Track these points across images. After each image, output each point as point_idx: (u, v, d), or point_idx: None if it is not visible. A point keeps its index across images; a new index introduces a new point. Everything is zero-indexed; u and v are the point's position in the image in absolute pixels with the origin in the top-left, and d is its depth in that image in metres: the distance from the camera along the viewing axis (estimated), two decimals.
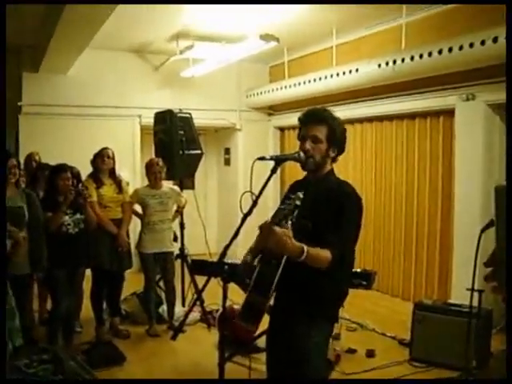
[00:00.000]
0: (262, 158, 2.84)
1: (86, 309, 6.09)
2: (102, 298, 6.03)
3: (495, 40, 5.21)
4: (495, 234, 0.96)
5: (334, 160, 3.02)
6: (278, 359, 3.06)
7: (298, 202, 2.68)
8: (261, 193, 2.86)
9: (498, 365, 4.87)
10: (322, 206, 2.83)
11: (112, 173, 6.04)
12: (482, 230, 2.77)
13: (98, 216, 5.67)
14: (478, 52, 5.46)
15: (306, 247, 2.63)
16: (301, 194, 2.70)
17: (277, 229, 2.62)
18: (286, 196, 3.03)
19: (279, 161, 2.93)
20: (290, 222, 2.68)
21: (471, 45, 5.48)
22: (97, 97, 8.89)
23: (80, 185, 5.29)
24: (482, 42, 5.36)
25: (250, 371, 3.65)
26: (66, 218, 5.09)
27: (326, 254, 2.70)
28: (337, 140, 2.95)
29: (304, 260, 2.64)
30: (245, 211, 2.84)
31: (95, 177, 5.92)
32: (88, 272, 5.86)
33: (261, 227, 2.80)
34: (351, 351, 5.49)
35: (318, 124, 2.91)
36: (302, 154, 2.89)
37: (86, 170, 5.96)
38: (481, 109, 6.20)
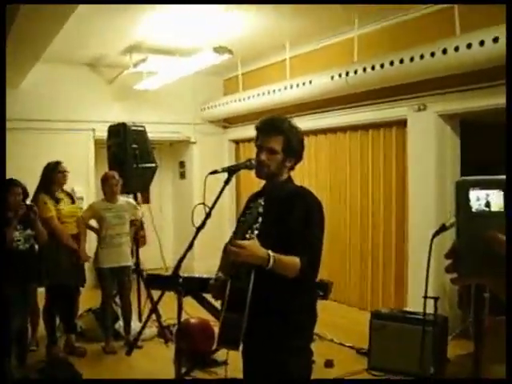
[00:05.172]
0: (214, 172, 2.83)
1: (43, 326, 5.94)
2: (54, 315, 5.90)
3: (445, 51, 5.32)
4: (456, 228, 0.99)
5: (291, 168, 2.97)
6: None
7: (260, 209, 2.63)
8: (214, 205, 2.84)
9: (455, 370, 4.93)
10: (284, 213, 2.78)
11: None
12: (434, 235, 2.78)
13: (58, 231, 5.63)
14: (428, 63, 5.57)
15: (271, 253, 2.58)
16: (261, 201, 2.66)
17: (245, 242, 2.58)
18: (245, 207, 3.00)
19: (232, 171, 2.92)
20: (255, 232, 2.63)
21: (421, 56, 5.59)
22: (50, 110, 8.73)
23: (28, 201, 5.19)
24: (432, 54, 5.46)
25: None
26: (17, 233, 4.97)
27: (294, 260, 2.64)
28: (293, 150, 2.88)
29: (272, 267, 2.58)
30: (199, 224, 2.83)
31: (50, 191, 5.77)
32: (41, 289, 5.74)
33: (227, 246, 2.73)
34: None
35: (275, 135, 2.83)
36: (253, 161, 2.86)
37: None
38: (432, 119, 6.30)
